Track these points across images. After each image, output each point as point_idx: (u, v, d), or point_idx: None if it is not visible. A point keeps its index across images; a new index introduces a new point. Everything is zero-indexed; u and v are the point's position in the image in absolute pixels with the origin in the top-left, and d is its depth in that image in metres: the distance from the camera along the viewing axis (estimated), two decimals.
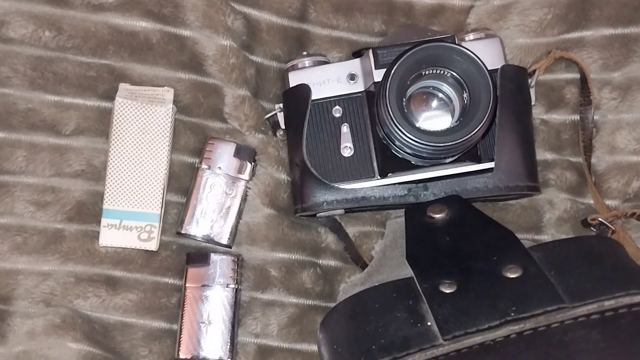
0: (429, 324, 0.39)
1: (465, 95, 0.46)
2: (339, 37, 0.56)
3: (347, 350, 0.40)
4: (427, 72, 0.46)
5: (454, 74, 0.46)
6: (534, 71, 0.53)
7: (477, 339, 0.38)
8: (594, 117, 0.54)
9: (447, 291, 0.40)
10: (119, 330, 0.52)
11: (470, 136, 0.44)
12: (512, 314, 0.38)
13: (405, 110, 0.46)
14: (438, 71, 0.46)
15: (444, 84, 0.47)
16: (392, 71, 0.44)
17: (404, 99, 0.46)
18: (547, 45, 0.54)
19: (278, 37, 0.55)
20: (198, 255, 0.52)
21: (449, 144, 0.44)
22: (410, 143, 0.45)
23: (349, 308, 0.43)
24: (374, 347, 0.39)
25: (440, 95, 0.48)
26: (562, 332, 0.37)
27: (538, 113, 0.55)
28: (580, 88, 0.54)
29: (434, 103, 0.48)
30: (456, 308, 0.39)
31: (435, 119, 0.48)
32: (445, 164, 0.49)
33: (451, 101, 0.48)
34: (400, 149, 0.47)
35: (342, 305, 0.44)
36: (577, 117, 0.54)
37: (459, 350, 0.38)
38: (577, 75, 0.54)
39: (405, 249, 0.47)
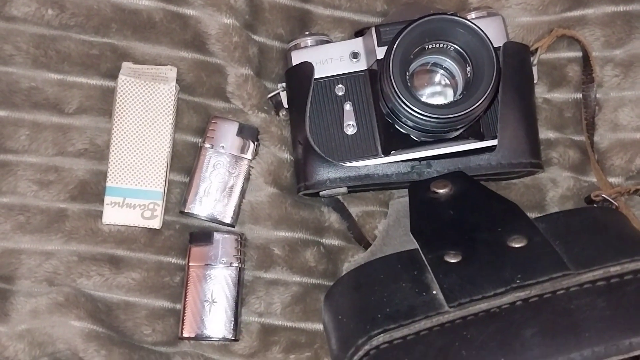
0: (434, 292, 0.39)
1: (468, 68, 0.46)
2: (341, 17, 0.56)
3: (352, 320, 0.40)
4: (430, 47, 0.46)
5: (457, 47, 0.46)
6: (536, 49, 0.53)
7: (483, 305, 0.37)
8: (597, 95, 0.54)
9: (452, 261, 0.40)
10: (122, 309, 0.52)
11: (474, 108, 0.44)
12: (518, 281, 0.38)
13: (409, 84, 0.46)
14: (441, 45, 0.46)
15: (447, 59, 0.47)
16: (396, 44, 0.44)
17: (407, 74, 0.46)
18: (549, 23, 0.54)
19: (280, 17, 0.55)
20: (201, 235, 0.52)
21: (453, 116, 0.44)
22: (414, 116, 0.45)
23: (354, 280, 0.43)
24: (379, 315, 0.39)
25: (443, 71, 0.48)
26: (567, 300, 0.37)
27: (540, 92, 0.55)
28: (583, 66, 0.54)
29: (437, 78, 0.49)
30: (461, 277, 0.39)
31: (438, 94, 0.49)
32: (448, 140, 0.49)
33: (453, 77, 0.48)
34: (404, 124, 0.47)
35: (347, 278, 0.44)
36: (579, 95, 0.54)
37: (465, 317, 0.37)
38: (579, 54, 0.54)
39: (408, 228, 0.47)
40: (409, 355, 0.37)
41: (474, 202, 0.46)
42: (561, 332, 0.37)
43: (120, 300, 0.52)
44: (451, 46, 0.46)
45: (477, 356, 0.37)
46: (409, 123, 0.46)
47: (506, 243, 0.41)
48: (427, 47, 0.46)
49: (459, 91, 0.47)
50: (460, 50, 0.46)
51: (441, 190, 0.47)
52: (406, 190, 0.50)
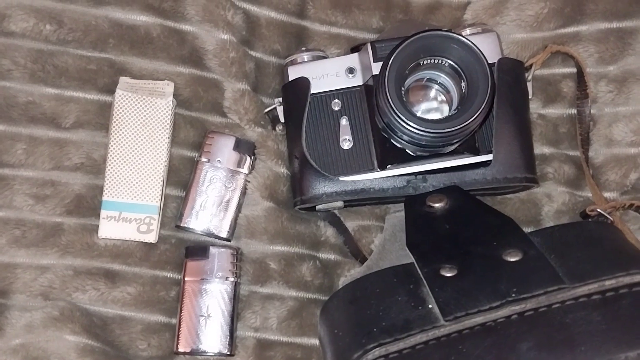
0: (430, 306, 0.39)
1: (463, 84, 0.46)
2: (337, 34, 0.56)
3: (348, 333, 0.40)
4: (425, 62, 0.46)
5: (452, 63, 0.46)
6: (531, 66, 0.53)
7: (479, 319, 0.37)
8: (591, 111, 0.54)
9: (448, 275, 0.40)
10: (118, 323, 0.52)
11: (469, 123, 0.44)
12: (513, 295, 0.38)
13: (404, 99, 0.46)
14: (436, 61, 0.46)
15: (442, 75, 0.48)
16: (391, 59, 0.45)
17: (403, 89, 0.46)
18: (544, 40, 0.55)
19: (277, 33, 0.55)
20: (197, 249, 0.52)
21: (448, 130, 0.44)
22: (410, 131, 0.45)
23: (350, 293, 0.43)
24: (375, 329, 0.39)
25: (438, 86, 0.49)
26: (563, 314, 0.37)
27: (535, 108, 0.55)
28: (577, 82, 0.55)
29: (432, 94, 0.49)
30: (457, 290, 0.39)
31: (433, 109, 0.49)
32: (443, 155, 0.49)
33: (448, 92, 0.48)
34: (400, 139, 0.47)
35: (343, 291, 0.44)
36: (574, 111, 0.55)
37: (461, 331, 0.37)
38: (574, 70, 0.55)
39: (404, 242, 0.47)
40: None
41: (470, 216, 0.46)
42: (557, 346, 0.37)
43: (115, 315, 0.52)
44: (446, 62, 0.46)
45: None
46: (405, 137, 0.46)
47: (501, 257, 0.41)
48: (422, 62, 0.46)
49: (454, 106, 0.47)
50: (455, 65, 0.46)
51: (437, 205, 0.47)
52: (402, 204, 0.50)
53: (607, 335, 0.37)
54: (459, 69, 0.46)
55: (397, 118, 0.45)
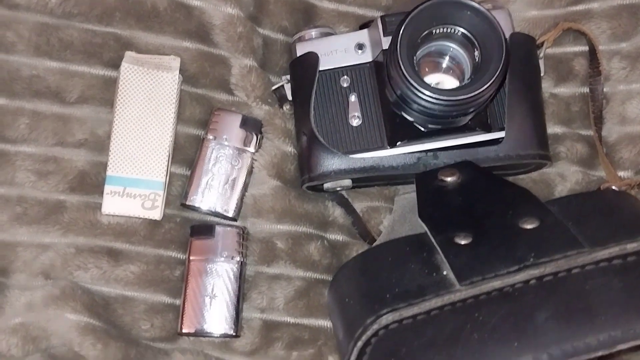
0: (444, 273, 0.38)
1: (476, 53, 0.45)
2: (345, 11, 0.55)
3: (360, 301, 0.39)
4: (437, 31, 0.45)
5: (464, 31, 0.45)
6: (542, 43, 0.53)
7: (496, 284, 0.36)
8: (604, 88, 0.53)
9: (463, 242, 0.39)
10: (120, 303, 0.50)
11: (484, 90, 0.43)
12: (532, 259, 0.37)
13: (417, 68, 0.45)
14: (448, 29, 0.45)
15: (454, 45, 0.47)
16: (404, 26, 0.44)
17: (415, 59, 0.45)
18: (555, 17, 0.54)
19: (285, 9, 0.55)
20: (202, 227, 0.51)
21: (463, 97, 0.43)
22: (423, 99, 0.44)
23: (360, 263, 0.42)
24: (388, 295, 0.37)
25: (450, 58, 0.48)
26: (582, 279, 0.36)
27: (547, 87, 0.54)
28: (589, 59, 0.54)
29: (444, 66, 0.48)
30: (472, 257, 0.38)
31: (445, 82, 0.48)
32: (455, 131, 0.48)
33: (460, 63, 0.47)
34: (412, 110, 0.46)
35: (353, 262, 0.42)
36: (586, 89, 0.54)
37: (477, 297, 0.36)
38: (586, 48, 0.54)
39: (414, 223, 0.45)
40: (419, 339, 0.36)
41: (483, 189, 0.45)
42: (575, 315, 0.36)
43: (118, 294, 0.50)
44: (458, 30, 0.45)
45: (489, 340, 0.35)
46: (415, 107, 0.45)
47: (518, 225, 0.39)
48: (434, 31, 0.45)
49: (468, 75, 0.46)
50: (468, 34, 0.45)
51: (449, 179, 0.46)
52: (412, 186, 0.49)
53: (627, 304, 0.35)
54: (472, 37, 0.45)
55: (410, 86, 0.44)
